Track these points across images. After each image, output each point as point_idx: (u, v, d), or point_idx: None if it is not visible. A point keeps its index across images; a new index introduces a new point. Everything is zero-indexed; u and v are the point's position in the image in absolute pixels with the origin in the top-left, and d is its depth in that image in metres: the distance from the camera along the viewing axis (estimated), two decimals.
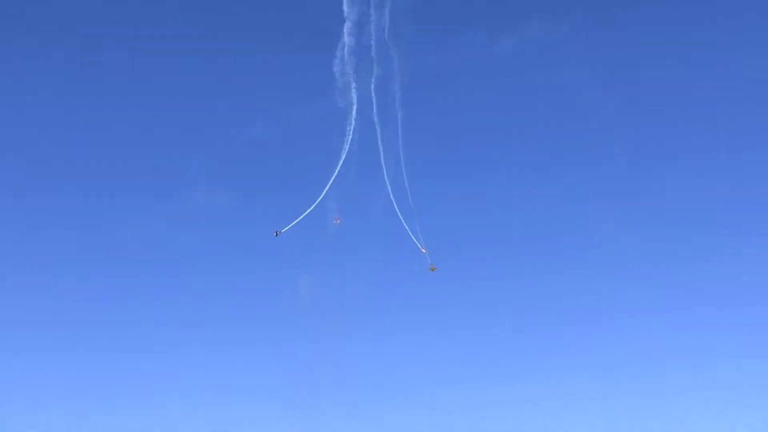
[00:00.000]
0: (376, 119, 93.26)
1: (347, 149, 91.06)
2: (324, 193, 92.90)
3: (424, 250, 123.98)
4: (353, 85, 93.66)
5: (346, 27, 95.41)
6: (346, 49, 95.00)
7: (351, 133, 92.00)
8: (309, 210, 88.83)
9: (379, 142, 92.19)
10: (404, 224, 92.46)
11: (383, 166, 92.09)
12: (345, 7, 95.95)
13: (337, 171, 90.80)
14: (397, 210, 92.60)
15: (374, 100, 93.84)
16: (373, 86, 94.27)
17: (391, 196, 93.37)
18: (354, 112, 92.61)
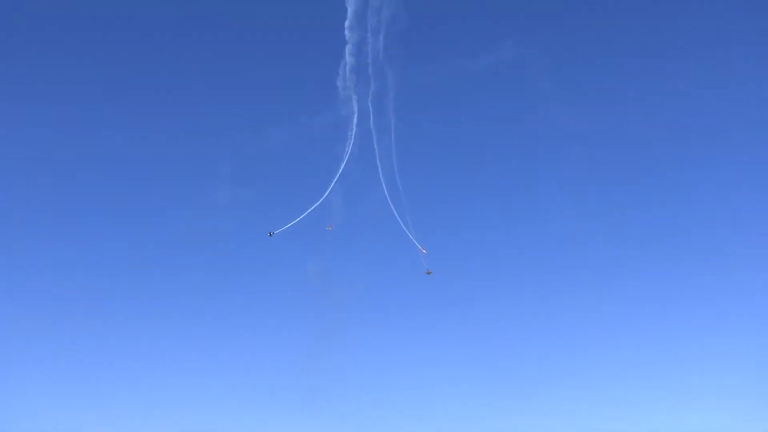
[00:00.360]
0: (372, 127, 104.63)
1: (349, 152, 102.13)
2: (330, 189, 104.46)
3: (424, 251, 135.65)
4: (354, 97, 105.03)
5: (348, 48, 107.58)
6: (347, 67, 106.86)
7: (352, 138, 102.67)
8: (305, 213, 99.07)
9: (375, 146, 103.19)
10: (402, 225, 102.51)
11: (379, 166, 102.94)
12: (347, 32, 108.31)
13: (340, 170, 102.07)
14: (390, 203, 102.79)
15: (371, 111, 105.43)
16: (370, 99, 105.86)
17: (385, 191, 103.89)
18: (354, 120, 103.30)
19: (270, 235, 77.67)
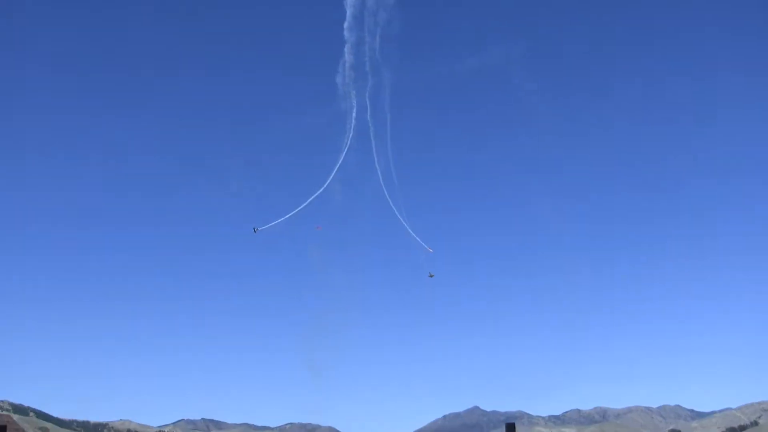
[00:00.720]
0: (369, 120, 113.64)
1: (348, 144, 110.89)
2: (330, 179, 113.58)
3: (430, 250, 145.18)
4: (352, 93, 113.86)
5: (347, 48, 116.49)
6: (346, 65, 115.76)
7: (351, 130, 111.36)
8: (292, 212, 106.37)
9: (372, 138, 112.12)
10: (400, 218, 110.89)
11: (374, 155, 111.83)
12: (346, 33, 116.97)
13: (341, 160, 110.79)
14: (386, 192, 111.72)
15: (368, 105, 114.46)
16: (367, 94, 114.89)
17: (380, 179, 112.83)
18: (354, 114, 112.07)
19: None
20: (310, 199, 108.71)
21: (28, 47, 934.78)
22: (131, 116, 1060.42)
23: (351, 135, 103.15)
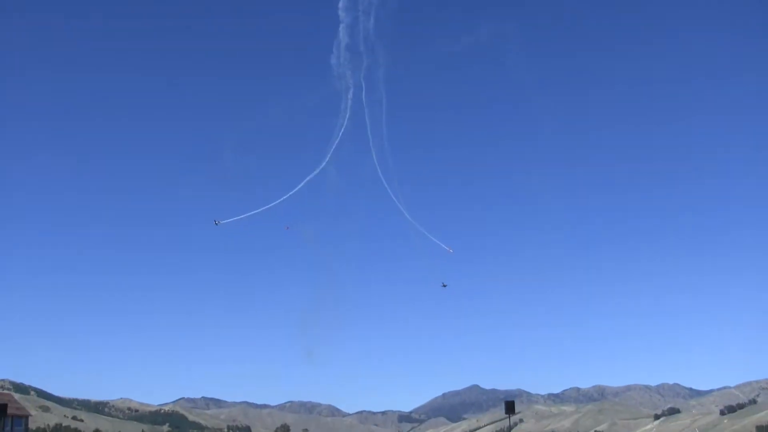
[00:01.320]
0: (364, 100, 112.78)
1: (344, 124, 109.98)
2: (326, 160, 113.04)
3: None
4: (348, 73, 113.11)
5: (341, 28, 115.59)
6: (342, 45, 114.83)
7: (347, 110, 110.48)
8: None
9: (366, 118, 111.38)
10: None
11: (369, 135, 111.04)
12: (341, 13, 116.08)
13: (338, 138, 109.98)
14: (379, 171, 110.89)
15: (363, 85, 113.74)
16: (362, 74, 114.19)
17: (374, 158, 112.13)
18: (350, 94, 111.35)
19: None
20: (305, 180, 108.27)
21: None
22: (120, 102, 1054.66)
23: (348, 116, 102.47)
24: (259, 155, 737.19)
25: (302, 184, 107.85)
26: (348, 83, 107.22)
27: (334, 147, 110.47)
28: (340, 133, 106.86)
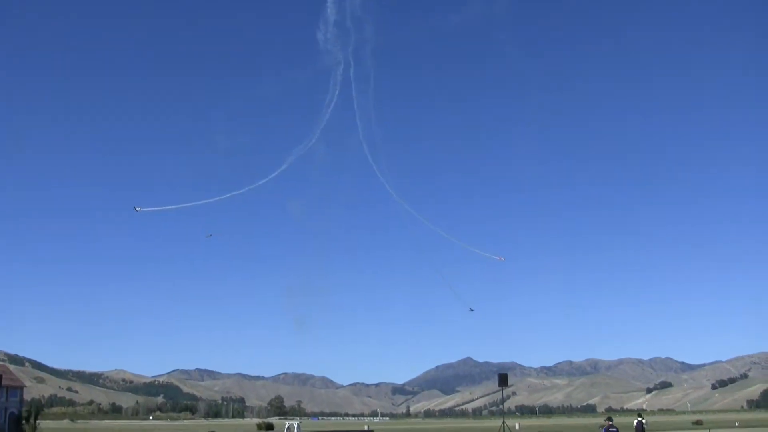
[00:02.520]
0: (352, 77, 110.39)
1: (334, 102, 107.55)
2: (314, 139, 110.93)
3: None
4: (335, 50, 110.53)
5: (329, 3, 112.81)
6: (329, 21, 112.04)
7: (337, 87, 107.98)
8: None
9: (354, 94, 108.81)
10: (377, 171, 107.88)
11: (356, 110, 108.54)
12: None
13: (325, 119, 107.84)
14: (367, 151, 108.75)
15: (351, 62, 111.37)
16: (350, 51, 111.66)
17: (361, 136, 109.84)
18: (340, 71, 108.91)
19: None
20: (291, 159, 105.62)
21: None
22: (110, 75, 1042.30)
23: (338, 92, 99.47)
24: (248, 132, 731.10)
25: (285, 165, 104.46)
26: (336, 59, 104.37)
27: (321, 125, 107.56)
28: (329, 111, 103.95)
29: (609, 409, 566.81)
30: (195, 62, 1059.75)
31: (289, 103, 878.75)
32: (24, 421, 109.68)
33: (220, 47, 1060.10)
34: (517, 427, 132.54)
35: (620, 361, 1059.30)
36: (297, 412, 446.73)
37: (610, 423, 41.67)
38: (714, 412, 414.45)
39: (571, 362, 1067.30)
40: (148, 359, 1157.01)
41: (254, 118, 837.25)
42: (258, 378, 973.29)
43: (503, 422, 61.04)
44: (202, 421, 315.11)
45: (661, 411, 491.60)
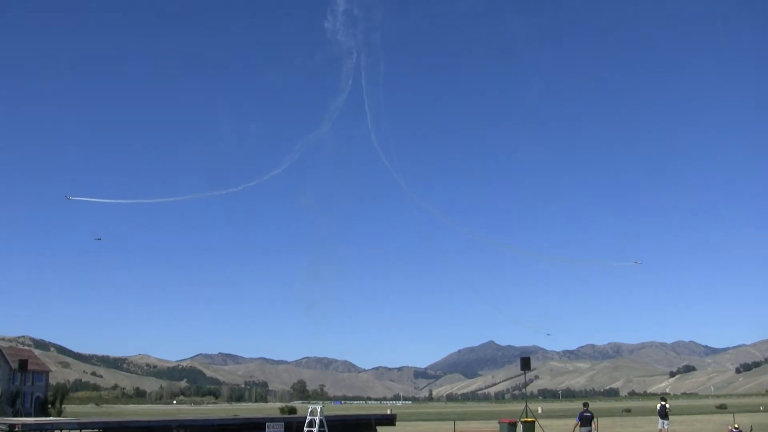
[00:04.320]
0: (362, 64, 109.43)
1: (343, 89, 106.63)
2: (323, 130, 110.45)
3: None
4: (343, 38, 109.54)
5: None
6: (338, 9, 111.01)
7: (350, 79, 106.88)
8: (280, 169, 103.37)
9: (363, 83, 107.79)
10: (384, 160, 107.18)
11: (365, 99, 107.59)
12: None
13: (333, 108, 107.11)
14: (375, 141, 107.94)
15: (360, 50, 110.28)
16: (360, 38, 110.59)
17: (369, 123, 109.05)
18: (353, 59, 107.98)
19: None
20: (299, 150, 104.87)
21: None
22: (117, 64, 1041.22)
23: (350, 82, 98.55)
24: (256, 122, 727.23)
25: (296, 157, 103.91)
26: (345, 48, 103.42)
27: (332, 115, 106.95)
28: (339, 101, 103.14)
29: (632, 393, 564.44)
30: (200, 53, 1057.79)
31: (297, 94, 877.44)
32: (50, 405, 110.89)
33: (225, 39, 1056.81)
34: (539, 410, 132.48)
35: (643, 345, 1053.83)
36: (319, 396, 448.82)
37: (586, 408, 41.64)
38: (738, 396, 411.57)
39: (593, 346, 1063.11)
40: (171, 344, 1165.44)
41: (261, 109, 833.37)
42: (281, 362, 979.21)
43: (526, 406, 60.74)
44: (226, 405, 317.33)
45: (685, 395, 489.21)
